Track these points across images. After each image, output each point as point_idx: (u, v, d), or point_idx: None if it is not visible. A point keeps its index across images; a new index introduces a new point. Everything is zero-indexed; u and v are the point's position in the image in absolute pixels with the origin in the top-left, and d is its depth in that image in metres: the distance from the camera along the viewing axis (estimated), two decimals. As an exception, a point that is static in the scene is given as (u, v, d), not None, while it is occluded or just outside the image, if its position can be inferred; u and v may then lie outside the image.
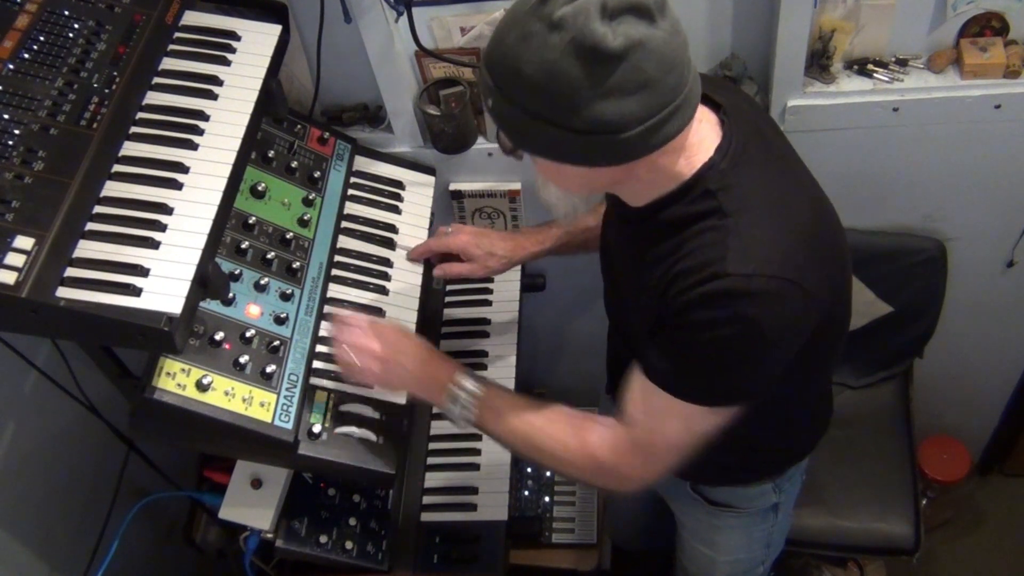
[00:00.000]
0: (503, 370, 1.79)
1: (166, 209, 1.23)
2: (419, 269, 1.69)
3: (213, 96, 1.36)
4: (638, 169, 1.07)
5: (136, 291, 1.14)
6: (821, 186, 1.24)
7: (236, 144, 1.33)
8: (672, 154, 1.08)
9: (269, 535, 1.50)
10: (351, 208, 1.69)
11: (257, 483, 1.50)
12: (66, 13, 1.31)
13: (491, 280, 1.92)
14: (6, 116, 1.19)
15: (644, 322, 1.18)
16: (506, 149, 1.13)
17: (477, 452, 1.72)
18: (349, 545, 1.54)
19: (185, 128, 1.32)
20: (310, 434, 1.38)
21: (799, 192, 1.16)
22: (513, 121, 1.03)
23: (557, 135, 1.00)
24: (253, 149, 1.51)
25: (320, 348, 1.46)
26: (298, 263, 1.49)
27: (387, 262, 1.67)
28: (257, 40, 1.45)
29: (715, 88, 1.17)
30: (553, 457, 1.30)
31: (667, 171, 1.10)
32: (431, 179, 1.83)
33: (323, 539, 1.52)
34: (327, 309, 1.51)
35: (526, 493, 1.94)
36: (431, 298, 1.86)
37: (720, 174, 1.09)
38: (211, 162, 1.30)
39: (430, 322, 1.84)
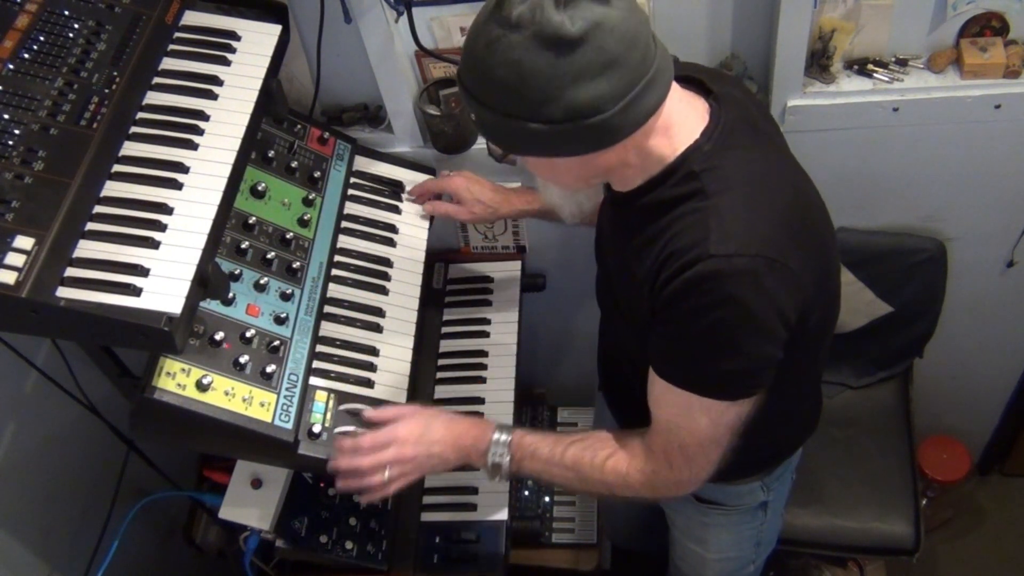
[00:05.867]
0: (503, 370, 1.79)
1: (166, 209, 1.23)
2: (419, 269, 1.69)
3: (213, 96, 1.37)
4: (627, 154, 1.10)
5: (136, 291, 1.14)
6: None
7: (236, 144, 1.33)
8: (658, 136, 1.11)
9: (269, 535, 1.50)
10: (351, 208, 1.69)
11: (257, 483, 1.50)
12: (66, 13, 1.31)
13: (491, 280, 1.92)
14: (6, 116, 1.19)
15: (637, 312, 1.19)
16: (498, 157, 1.17)
17: (477, 452, 1.71)
18: (349, 545, 1.55)
19: (185, 128, 1.32)
20: (310, 434, 1.38)
21: (782, 177, 1.16)
22: (498, 127, 1.05)
23: (540, 131, 1.02)
24: (253, 149, 1.51)
25: (320, 348, 1.46)
26: (298, 263, 1.49)
27: (387, 262, 1.67)
28: (257, 40, 1.45)
29: (712, 77, 1.20)
30: (603, 487, 1.30)
31: (654, 154, 1.12)
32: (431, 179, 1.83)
33: (323, 539, 1.52)
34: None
35: (526, 493, 1.94)
36: (431, 298, 1.86)
37: (704, 156, 1.11)
38: (211, 162, 1.30)
39: (430, 322, 1.84)
